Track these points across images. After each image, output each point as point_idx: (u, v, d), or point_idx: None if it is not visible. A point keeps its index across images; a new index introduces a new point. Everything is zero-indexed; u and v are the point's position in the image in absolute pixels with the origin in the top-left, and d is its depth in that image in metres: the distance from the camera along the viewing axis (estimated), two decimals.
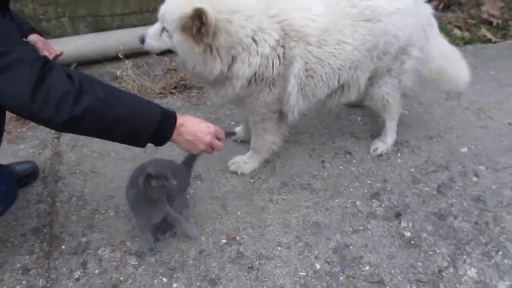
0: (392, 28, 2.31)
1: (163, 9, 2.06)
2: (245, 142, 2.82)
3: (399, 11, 2.30)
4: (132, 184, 1.99)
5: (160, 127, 1.66)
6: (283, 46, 2.18)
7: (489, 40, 4.12)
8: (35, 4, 3.41)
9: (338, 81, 2.39)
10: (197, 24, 1.93)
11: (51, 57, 2.10)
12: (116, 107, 1.56)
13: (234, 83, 2.19)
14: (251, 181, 2.57)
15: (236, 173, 2.62)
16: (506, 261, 2.17)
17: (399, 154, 2.79)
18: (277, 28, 2.15)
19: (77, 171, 2.59)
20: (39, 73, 1.46)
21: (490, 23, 4.33)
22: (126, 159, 2.64)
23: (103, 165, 2.61)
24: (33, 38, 2.14)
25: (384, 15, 2.29)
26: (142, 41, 2.15)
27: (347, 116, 3.09)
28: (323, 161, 2.72)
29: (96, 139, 2.68)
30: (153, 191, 1.84)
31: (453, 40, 4.07)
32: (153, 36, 2.13)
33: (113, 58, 3.47)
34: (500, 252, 2.20)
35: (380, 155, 2.78)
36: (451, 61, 2.67)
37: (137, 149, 2.60)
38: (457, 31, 4.19)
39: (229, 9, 2.01)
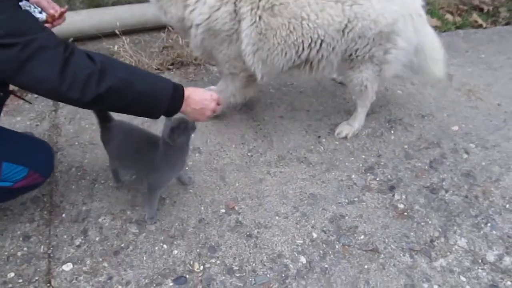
0: (372, 12, 2.27)
1: None
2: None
3: None
4: (148, 148, 2.06)
5: (173, 101, 1.75)
6: (234, 3, 2.27)
7: (480, 26, 4.19)
8: None
9: (299, 56, 2.39)
10: None
11: (57, 14, 2.09)
12: (137, 84, 1.65)
13: (193, 31, 2.38)
14: (249, 154, 2.61)
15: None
16: (494, 232, 2.26)
17: (392, 131, 2.85)
18: None
19: (76, 143, 2.60)
20: (63, 57, 1.51)
21: (481, 9, 4.40)
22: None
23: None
24: None
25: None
26: None
27: (343, 95, 3.14)
28: (319, 137, 2.78)
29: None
30: (180, 138, 1.93)
31: (445, 24, 4.14)
32: None
33: (109, 34, 3.45)
34: (489, 224, 2.29)
35: (345, 137, 2.79)
36: (431, 57, 2.68)
37: (136, 121, 2.62)
38: (449, 16, 4.25)
39: None
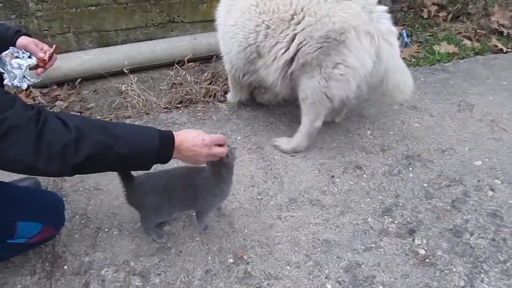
0: (319, 11, 2.32)
1: None
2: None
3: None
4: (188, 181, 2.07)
5: (161, 152, 1.71)
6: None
7: (500, 50, 4.04)
8: (40, 20, 3.40)
9: (246, 40, 2.57)
10: None
11: (46, 57, 2.03)
12: (116, 146, 1.59)
13: None
14: (259, 197, 2.49)
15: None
16: None
17: (410, 168, 2.70)
18: None
19: (81, 188, 2.53)
20: (35, 133, 1.46)
21: (501, 33, 4.25)
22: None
23: (107, 182, 2.55)
24: (24, 41, 2.01)
25: None
26: None
27: (357, 130, 3.02)
28: (332, 176, 2.64)
29: None
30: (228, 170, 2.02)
31: (463, 50, 4.00)
32: None
33: (118, 73, 3.44)
34: None
35: (279, 148, 2.83)
36: (397, 88, 2.64)
37: None
38: (467, 42, 4.11)
39: None
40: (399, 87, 2.64)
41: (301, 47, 2.42)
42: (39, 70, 2.06)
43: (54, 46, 2.11)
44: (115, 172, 2.57)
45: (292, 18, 2.39)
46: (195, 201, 2.12)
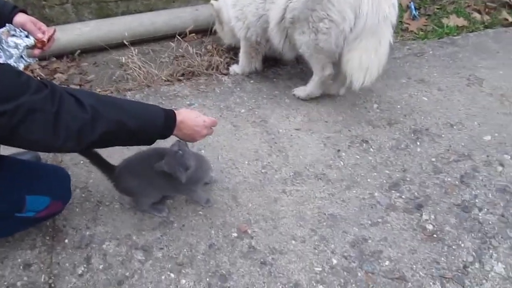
0: None
1: None
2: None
3: None
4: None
5: (165, 129, 1.80)
6: None
7: (511, 24, 3.93)
8: None
9: (257, 10, 2.72)
10: None
11: (45, 39, 1.96)
12: (129, 122, 1.66)
13: None
14: (263, 171, 2.44)
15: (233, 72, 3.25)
16: None
17: (418, 143, 2.64)
18: None
19: (81, 162, 2.48)
20: (52, 115, 1.49)
21: (511, 6, 4.13)
22: (131, 149, 2.48)
23: (108, 154, 2.46)
24: (21, 19, 1.94)
25: None
26: None
27: (363, 104, 2.95)
28: (338, 150, 2.58)
29: None
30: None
31: (473, 24, 3.89)
32: None
33: (118, 45, 3.34)
34: None
35: (294, 95, 3.01)
36: (360, 63, 2.57)
37: None
38: (476, 15, 3.99)
39: None
40: (361, 61, 2.56)
41: (289, 3, 2.55)
42: (37, 51, 1.99)
43: (53, 29, 2.05)
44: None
45: None
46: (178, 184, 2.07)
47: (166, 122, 1.78)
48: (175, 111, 1.83)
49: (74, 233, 2.12)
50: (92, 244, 2.07)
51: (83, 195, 2.30)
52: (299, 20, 2.58)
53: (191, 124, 1.86)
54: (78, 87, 3.08)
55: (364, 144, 2.63)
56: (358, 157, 2.55)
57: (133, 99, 2.90)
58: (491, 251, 2.06)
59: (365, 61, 2.55)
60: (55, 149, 1.65)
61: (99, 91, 3.02)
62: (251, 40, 2.95)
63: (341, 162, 2.51)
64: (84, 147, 1.63)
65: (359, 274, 1.95)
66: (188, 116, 1.86)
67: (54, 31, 2.03)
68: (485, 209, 2.24)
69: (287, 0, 2.55)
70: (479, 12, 4.06)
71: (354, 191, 2.34)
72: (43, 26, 1.99)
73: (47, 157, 2.49)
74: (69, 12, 3.45)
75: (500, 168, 2.47)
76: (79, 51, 3.28)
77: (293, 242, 2.09)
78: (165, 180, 2.04)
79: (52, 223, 2.15)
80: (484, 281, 1.94)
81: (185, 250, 2.05)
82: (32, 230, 2.11)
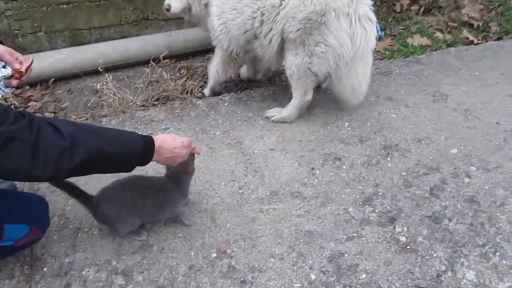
0: None
1: None
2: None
3: None
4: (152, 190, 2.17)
5: (144, 155, 1.80)
6: None
7: (471, 42, 4.12)
8: (10, 20, 3.31)
9: (245, 27, 2.73)
10: None
11: (23, 69, 1.99)
12: (108, 149, 1.67)
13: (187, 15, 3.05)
14: (240, 191, 2.49)
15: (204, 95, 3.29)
16: (504, 262, 2.12)
17: (389, 158, 2.73)
18: None
19: (58, 189, 2.47)
20: (31, 144, 1.50)
21: (471, 25, 4.34)
22: (108, 175, 2.53)
23: (85, 181, 2.48)
24: None
25: None
26: (168, 7, 2.93)
27: (335, 122, 3.04)
28: (312, 168, 2.65)
29: None
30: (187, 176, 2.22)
31: (436, 42, 4.07)
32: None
33: (92, 72, 3.38)
34: (498, 253, 2.16)
35: (269, 118, 3.03)
36: (352, 86, 2.84)
37: None
38: (439, 34, 4.18)
39: None
40: (354, 86, 2.83)
41: (285, 26, 2.62)
42: (14, 81, 2.03)
43: (31, 58, 2.08)
44: None
45: (281, 4, 2.59)
46: (159, 209, 2.17)
47: (145, 147, 1.79)
48: (153, 137, 1.86)
49: (53, 261, 2.11)
50: (72, 271, 2.06)
51: (61, 222, 2.29)
52: (294, 42, 2.66)
53: (170, 147, 1.87)
54: (52, 115, 3.09)
55: (337, 162, 2.71)
56: (331, 174, 2.62)
57: (109, 125, 2.93)
58: (462, 259, 2.13)
59: (357, 87, 2.84)
60: (34, 178, 1.64)
61: (74, 118, 3.03)
62: (230, 52, 2.99)
63: (316, 180, 2.58)
64: (64, 175, 1.63)
65: None
66: (166, 139, 1.88)
67: (32, 61, 2.06)
68: (455, 219, 2.33)
69: (284, 23, 2.61)
70: (441, 31, 4.25)
71: (329, 207, 2.40)
72: (20, 57, 2.02)
73: (23, 186, 2.48)
74: (42, 40, 3.48)
75: (467, 180, 2.58)
76: (53, 79, 3.30)
77: (272, 259, 2.13)
78: (150, 203, 2.10)
79: (30, 252, 2.13)
80: None
81: (165, 272, 2.06)
82: (10, 259, 2.08)
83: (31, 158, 1.50)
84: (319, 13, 2.53)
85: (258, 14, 2.66)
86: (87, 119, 3.03)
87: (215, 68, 3.14)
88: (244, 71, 3.53)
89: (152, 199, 2.13)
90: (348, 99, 2.94)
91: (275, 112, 3.02)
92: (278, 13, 2.60)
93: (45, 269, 2.07)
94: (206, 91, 3.32)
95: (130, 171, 1.84)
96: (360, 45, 2.66)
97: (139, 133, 1.89)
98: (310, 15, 2.53)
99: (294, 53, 2.71)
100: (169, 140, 1.89)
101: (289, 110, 2.99)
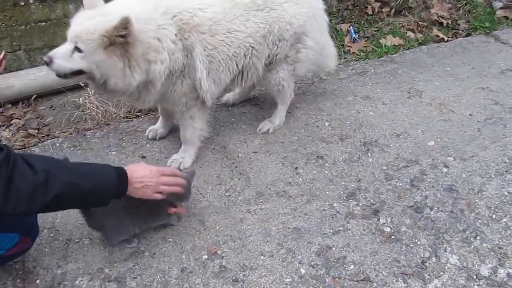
0: (286, 15, 2.55)
1: (77, 30, 2.06)
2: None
3: (292, 0, 2.58)
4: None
5: (118, 187, 1.83)
6: (180, 39, 2.31)
7: (442, 40, 4.27)
8: None
9: (237, 66, 2.57)
10: (122, 35, 2.01)
11: None
12: (82, 184, 1.70)
13: (156, 83, 2.31)
14: (227, 194, 2.54)
15: (179, 168, 2.66)
16: (484, 245, 2.21)
17: (369, 154, 2.82)
18: (171, 23, 2.27)
19: None
20: (5, 179, 1.52)
21: (441, 23, 4.49)
22: None
23: None
24: None
25: (277, 4, 2.54)
26: (50, 62, 2.10)
27: (315, 122, 3.11)
28: (296, 168, 2.72)
29: None
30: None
31: (408, 42, 4.20)
32: (62, 56, 2.10)
33: (74, 87, 3.39)
34: (478, 237, 2.25)
35: (267, 132, 3.01)
36: (329, 55, 3.08)
37: None
38: (410, 34, 4.31)
39: (132, 19, 2.04)
40: (331, 56, 3.10)
41: (273, 55, 2.67)
42: None
43: (3, 52, 2.05)
44: None
45: (268, 32, 2.56)
46: (156, 214, 2.21)
47: (119, 180, 1.82)
48: (125, 168, 1.90)
49: (45, 273, 2.12)
50: (65, 282, 2.08)
51: (51, 234, 2.31)
52: (279, 60, 2.72)
53: (139, 176, 1.89)
54: (36, 131, 3.10)
55: (320, 160, 2.78)
56: (315, 172, 2.69)
57: (94, 138, 2.96)
58: (445, 245, 2.22)
59: (333, 54, 3.13)
60: (5, 213, 1.60)
61: (58, 133, 3.05)
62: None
63: (300, 179, 2.64)
64: (36, 210, 1.67)
65: (327, 280, 2.06)
66: (135, 169, 1.92)
67: (4, 55, 2.01)
68: (436, 208, 2.42)
69: (273, 46, 2.63)
70: (412, 31, 4.39)
71: (315, 204, 2.47)
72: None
73: None
74: (22, 58, 3.49)
75: (445, 170, 2.68)
76: (34, 95, 3.31)
77: (262, 257, 2.18)
78: (144, 211, 2.13)
79: (21, 265, 2.14)
80: (441, 273, 2.09)
81: (158, 277, 2.09)
82: (1, 274, 2.09)
83: (4, 194, 1.52)
84: (302, 25, 2.64)
85: (249, 51, 2.55)
86: (71, 133, 3.05)
87: (200, 127, 2.71)
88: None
89: (147, 205, 2.14)
90: (330, 66, 3.16)
91: (268, 125, 3.03)
92: (266, 40, 2.57)
93: (37, 281, 2.08)
94: (188, 161, 2.76)
95: (106, 205, 1.85)
96: (324, 33, 2.88)
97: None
98: (296, 29, 2.62)
99: (277, 70, 2.77)
100: (139, 169, 1.92)
101: (279, 116, 3.05)
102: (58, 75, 2.20)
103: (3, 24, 3.33)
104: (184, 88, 2.45)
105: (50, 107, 3.37)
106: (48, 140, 3.00)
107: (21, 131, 3.08)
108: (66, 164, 1.80)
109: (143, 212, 2.15)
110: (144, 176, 1.91)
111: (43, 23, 3.47)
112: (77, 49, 2.07)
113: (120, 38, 2.02)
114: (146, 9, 2.21)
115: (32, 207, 1.59)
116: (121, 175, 1.84)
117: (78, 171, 1.74)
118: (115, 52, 2.06)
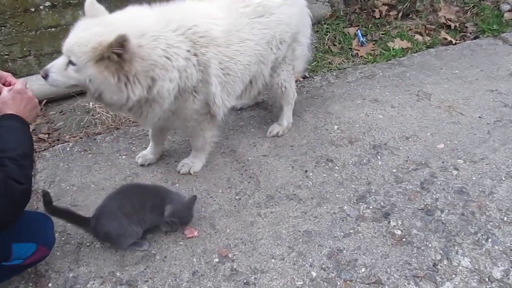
0: (284, 17, 2.60)
1: (70, 42, 2.02)
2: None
3: (286, 2, 2.62)
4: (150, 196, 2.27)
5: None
6: (195, 54, 2.26)
7: (450, 42, 4.26)
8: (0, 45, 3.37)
9: (249, 76, 2.59)
10: (117, 53, 1.94)
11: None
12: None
13: (161, 102, 2.24)
14: (237, 197, 2.54)
15: (189, 173, 2.71)
16: (496, 247, 2.20)
17: (379, 157, 2.81)
18: (183, 39, 2.22)
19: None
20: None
21: (449, 26, 4.48)
22: (106, 189, 2.57)
23: (84, 198, 2.55)
24: None
25: (274, 8, 2.56)
26: (46, 76, 2.08)
27: (324, 126, 3.12)
28: (306, 171, 2.73)
29: (74, 173, 2.66)
30: None
31: (416, 45, 4.20)
32: (58, 70, 2.07)
33: (83, 92, 3.39)
34: (490, 240, 2.24)
35: (276, 135, 3.03)
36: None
37: (117, 178, 2.62)
38: (418, 37, 4.31)
39: (136, 34, 2.01)
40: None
41: (277, 59, 2.72)
42: None
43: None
44: (91, 188, 2.60)
45: (272, 37, 2.60)
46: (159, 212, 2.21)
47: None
48: None
49: (57, 276, 2.14)
50: (77, 285, 2.09)
51: (63, 238, 2.32)
52: (279, 63, 2.79)
53: (8, 98, 1.84)
54: (46, 136, 3.13)
55: (329, 163, 2.78)
56: (325, 175, 2.69)
57: (104, 142, 2.99)
58: (456, 247, 2.21)
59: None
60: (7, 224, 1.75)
61: (68, 138, 3.08)
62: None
63: (310, 182, 2.65)
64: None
65: (338, 283, 2.06)
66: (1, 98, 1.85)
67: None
68: (447, 210, 2.41)
69: (276, 49, 2.67)
70: (420, 34, 4.39)
71: (325, 207, 2.47)
72: (8, 77, 1.97)
73: None
74: (32, 64, 3.52)
75: (455, 172, 2.67)
76: (45, 100, 3.34)
77: (273, 260, 2.18)
78: (139, 207, 2.16)
79: (33, 269, 2.15)
80: (453, 275, 2.08)
81: (169, 280, 2.10)
82: (14, 278, 2.11)
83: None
84: (296, 25, 2.72)
85: (259, 60, 2.59)
86: (81, 137, 3.07)
87: (210, 135, 2.69)
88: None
89: (150, 203, 2.19)
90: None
91: (277, 128, 3.05)
92: (270, 45, 2.61)
93: (50, 284, 2.10)
94: (198, 166, 2.76)
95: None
96: (307, 22, 2.93)
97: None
98: (293, 29, 2.70)
99: (278, 73, 2.82)
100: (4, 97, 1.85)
101: (286, 117, 3.07)
102: (57, 87, 2.23)
103: (14, 30, 3.36)
104: (196, 105, 2.41)
105: (60, 112, 3.40)
106: (58, 144, 3.03)
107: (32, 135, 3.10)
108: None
109: (138, 208, 2.17)
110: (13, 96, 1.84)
111: (53, 29, 3.50)
112: (71, 62, 2.02)
113: (115, 55, 1.95)
114: (156, 24, 2.16)
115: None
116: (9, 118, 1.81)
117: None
118: (109, 68, 1.99)
